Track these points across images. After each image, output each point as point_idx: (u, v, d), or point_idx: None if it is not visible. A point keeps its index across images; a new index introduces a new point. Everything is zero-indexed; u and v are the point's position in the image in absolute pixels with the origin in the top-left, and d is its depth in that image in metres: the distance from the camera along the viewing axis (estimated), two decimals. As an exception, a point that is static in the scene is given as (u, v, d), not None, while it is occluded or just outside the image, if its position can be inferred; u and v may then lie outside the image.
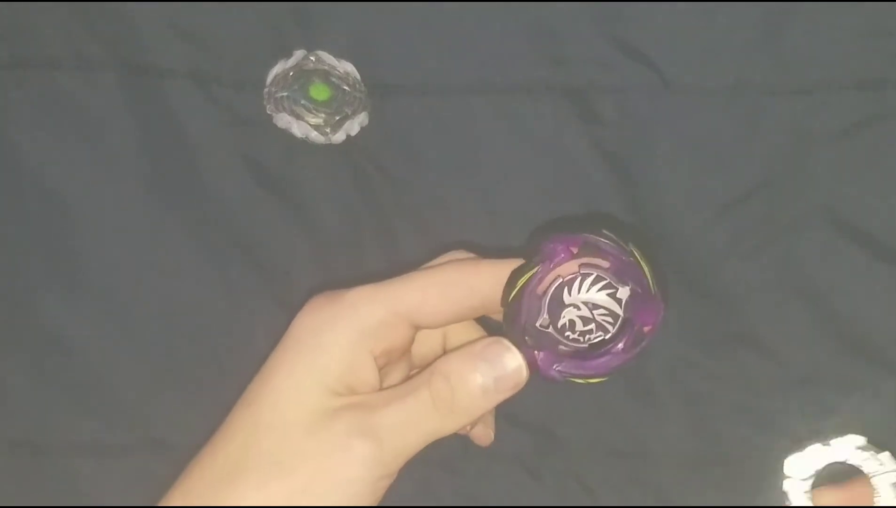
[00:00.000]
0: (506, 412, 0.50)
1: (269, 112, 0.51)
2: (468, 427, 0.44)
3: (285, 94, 0.51)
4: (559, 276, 0.37)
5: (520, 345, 0.38)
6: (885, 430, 0.50)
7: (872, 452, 0.47)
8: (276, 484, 0.37)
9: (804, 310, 0.51)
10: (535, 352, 0.38)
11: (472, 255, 0.41)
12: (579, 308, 0.37)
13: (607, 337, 0.38)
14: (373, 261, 0.51)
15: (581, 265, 0.37)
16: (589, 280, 0.37)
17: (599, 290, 0.37)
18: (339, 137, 0.51)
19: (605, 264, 0.37)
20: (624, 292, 0.38)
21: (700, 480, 0.50)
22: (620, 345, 0.38)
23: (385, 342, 0.39)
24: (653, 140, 0.52)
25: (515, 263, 0.39)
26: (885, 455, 0.47)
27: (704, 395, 0.51)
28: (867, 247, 0.51)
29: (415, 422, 0.37)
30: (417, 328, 0.40)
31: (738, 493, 0.50)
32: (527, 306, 0.37)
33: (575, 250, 0.37)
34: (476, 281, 0.39)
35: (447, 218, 0.51)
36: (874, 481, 0.46)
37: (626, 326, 0.38)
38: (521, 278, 0.37)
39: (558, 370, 0.38)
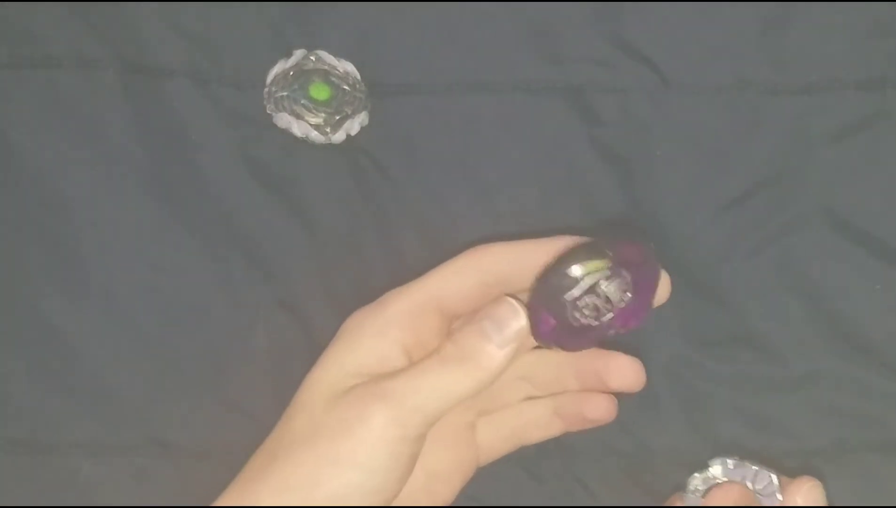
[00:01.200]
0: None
1: (269, 112, 0.51)
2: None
3: (285, 93, 0.51)
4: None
5: (538, 299, 0.39)
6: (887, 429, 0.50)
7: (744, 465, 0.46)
8: (303, 457, 0.39)
9: (804, 310, 0.51)
10: (545, 312, 0.39)
11: None
12: (599, 297, 0.39)
13: (593, 324, 0.40)
14: (373, 261, 0.51)
15: (620, 265, 0.39)
16: (618, 280, 0.39)
17: (617, 288, 0.39)
18: (339, 136, 0.51)
19: (634, 272, 0.39)
20: (626, 298, 0.39)
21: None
22: (594, 335, 0.40)
23: (413, 332, 0.41)
24: (653, 140, 0.52)
25: (527, 245, 0.41)
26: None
27: (704, 395, 0.51)
28: (867, 247, 0.51)
29: (428, 381, 0.39)
30: (450, 315, 0.42)
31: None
32: (570, 276, 0.39)
33: (639, 260, 0.39)
34: (493, 263, 0.41)
35: (447, 218, 0.51)
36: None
37: (610, 322, 0.40)
38: (592, 259, 0.39)
39: (553, 337, 0.40)
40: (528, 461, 0.50)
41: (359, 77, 0.52)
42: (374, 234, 0.51)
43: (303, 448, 0.39)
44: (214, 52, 0.52)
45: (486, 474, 0.49)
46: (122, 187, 0.51)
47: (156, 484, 0.48)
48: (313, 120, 0.51)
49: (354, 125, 0.52)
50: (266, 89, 0.52)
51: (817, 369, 0.50)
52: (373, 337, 0.41)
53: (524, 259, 0.41)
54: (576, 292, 0.39)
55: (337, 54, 0.52)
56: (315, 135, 0.51)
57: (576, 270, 0.39)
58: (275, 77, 0.52)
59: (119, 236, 0.50)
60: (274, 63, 0.52)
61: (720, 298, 0.51)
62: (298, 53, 0.52)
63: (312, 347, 0.49)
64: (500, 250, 0.41)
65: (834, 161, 0.52)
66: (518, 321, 0.39)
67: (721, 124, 0.52)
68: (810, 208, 0.51)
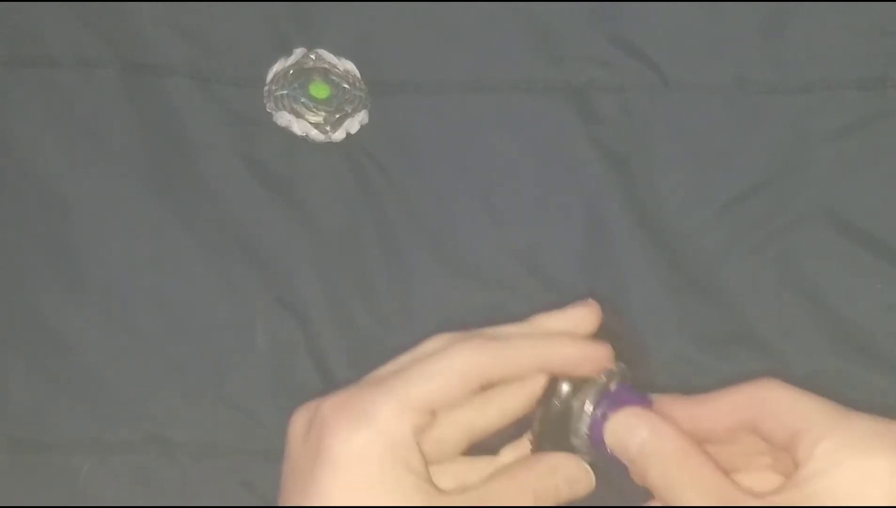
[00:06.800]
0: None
1: (269, 110, 0.51)
2: None
3: (285, 92, 0.51)
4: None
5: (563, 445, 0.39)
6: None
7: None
8: None
9: (804, 310, 0.51)
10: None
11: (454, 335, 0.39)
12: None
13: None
14: (373, 260, 0.51)
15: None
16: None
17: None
18: (339, 135, 0.51)
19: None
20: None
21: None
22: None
23: (417, 444, 0.37)
24: (653, 139, 0.52)
25: (512, 354, 0.38)
26: None
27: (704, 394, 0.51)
28: (867, 246, 0.51)
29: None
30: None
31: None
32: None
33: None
34: (487, 365, 0.38)
35: (446, 216, 0.51)
36: None
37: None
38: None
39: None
40: (528, 460, 0.50)
41: (359, 75, 0.52)
42: (374, 233, 0.51)
43: None
44: (214, 52, 0.52)
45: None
46: (122, 186, 0.51)
47: (156, 484, 0.48)
48: (313, 118, 0.51)
49: (354, 124, 0.52)
50: (266, 88, 0.52)
51: (817, 368, 0.50)
52: (395, 476, 0.36)
53: (512, 366, 0.38)
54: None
55: (337, 53, 0.52)
56: (315, 133, 0.51)
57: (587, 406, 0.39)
58: (275, 75, 0.52)
59: (119, 235, 0.50)
60: (274, 62, 0.52)
61: (720, 297, 0.51)
62: (298, 52, 0.52)
63: (312, 347, 0.49)
64: (492, 356, 0.38)
65: (834, 160, 0.52)
66: (587, 480, 0.39)
67: (721, 124, 0.52)
68: (810, 208, 0.51)
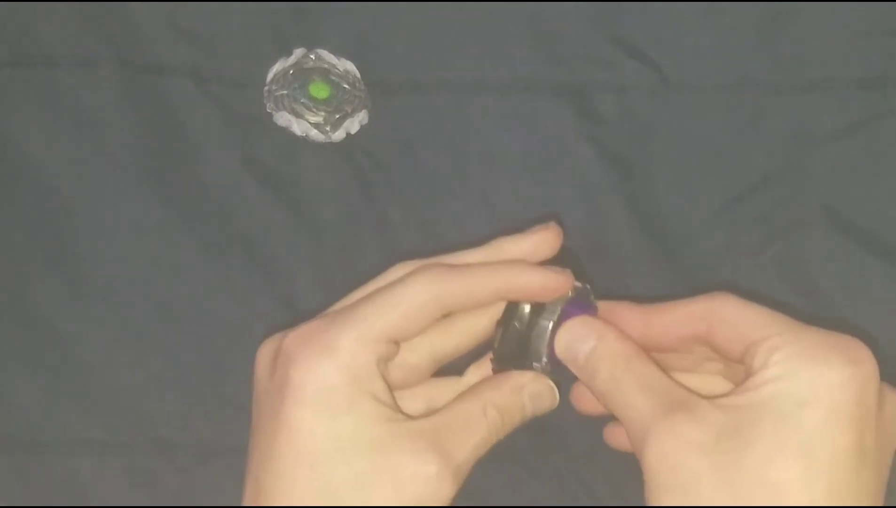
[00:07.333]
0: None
1: (268, 110, 0.51)
2: None
3: (285, 92, 0.51)
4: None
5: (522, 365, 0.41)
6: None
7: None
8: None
9: (804, 310, 0.51)
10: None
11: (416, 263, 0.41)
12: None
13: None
14: (373, 260, 0.51)
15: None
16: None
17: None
18: (339, 135, 0.51)
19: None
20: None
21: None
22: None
23: (382, 374, 0.39)
24: (653, 139, 0.52)
25: (474, 278, 0.39)
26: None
27: (704, 394, 0.50)
28: (867, 246, 0.51)
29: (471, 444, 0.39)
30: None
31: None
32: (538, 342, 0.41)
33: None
34: (449, 296, 0.39)
35: (447, 216, 0.52)
36: None
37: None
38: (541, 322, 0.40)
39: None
40: (528, 460, 0.50)
41: (358, 76, 0.52)
42: (374, 233, 0.51)
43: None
44: (215, 51, 0.52)
45: (486, 472, 0.49)
46: (122, 187, 0.51)
47: (156, 484, 0.48)
48: (313, 119, 0.51)
49: (354, 124, 0.52)
50: (266, 88, 0.52)
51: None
52: (362, 405, 0.37)
53: (473, 296, 0.39)
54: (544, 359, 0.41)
55: (337, 53, 0.52)
56: (315, 133, 0.51)
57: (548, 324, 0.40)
58: (275, 76, 0.52)
59: (119, 236, 0.50)
60: (274, 62, 0.52)
61: (720, 297, 0.51)
62: (298, 52, 0.52)
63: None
64: (458, 285, 0.39)
65: (834, 160, 0.52)
66: (553, 400, 0.41)
67: (721, 123, 0.52)
68: (811, 207, 0.51)
